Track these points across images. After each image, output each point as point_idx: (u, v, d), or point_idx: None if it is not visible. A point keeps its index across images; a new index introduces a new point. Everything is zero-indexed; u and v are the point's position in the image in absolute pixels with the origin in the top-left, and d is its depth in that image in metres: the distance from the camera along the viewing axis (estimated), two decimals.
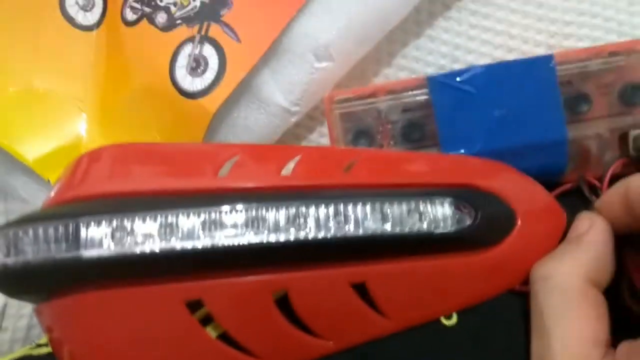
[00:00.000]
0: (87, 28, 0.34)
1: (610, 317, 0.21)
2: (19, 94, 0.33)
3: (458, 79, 0.24)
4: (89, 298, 0.19)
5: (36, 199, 0.34)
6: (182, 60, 0.31)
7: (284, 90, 0.31)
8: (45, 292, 0.20)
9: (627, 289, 0.22)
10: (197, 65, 0.31)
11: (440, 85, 0.24)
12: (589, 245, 0.21)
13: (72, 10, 0.34)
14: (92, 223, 0.18)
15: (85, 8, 0.34)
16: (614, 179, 0.23)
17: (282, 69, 0.31)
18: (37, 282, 0.19)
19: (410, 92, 0.25)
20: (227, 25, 0.31)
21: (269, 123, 0.31)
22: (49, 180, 0.32)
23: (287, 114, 0.31)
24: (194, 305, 0.20)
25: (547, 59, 0.24)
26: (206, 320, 0.20)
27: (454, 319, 0.22)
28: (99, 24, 0.34)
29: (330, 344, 0.21)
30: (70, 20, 0.34)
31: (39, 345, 0.26)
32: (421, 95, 0.25)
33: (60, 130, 0.33)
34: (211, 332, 0.20)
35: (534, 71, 0.24)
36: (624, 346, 0.20)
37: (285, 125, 0.32)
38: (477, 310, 0.22)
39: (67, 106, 0.33)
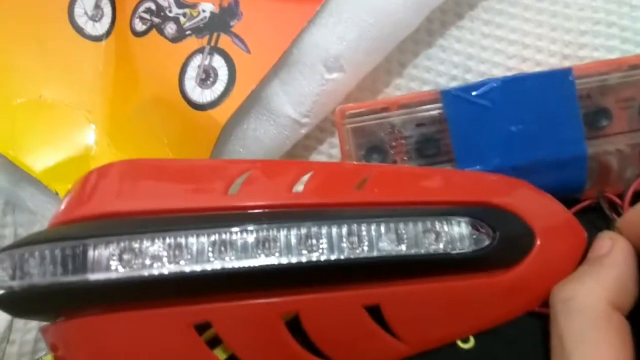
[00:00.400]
0: (96, 38, 0.34)
1: (634, 342, 0.20)
2: (26, 105, 0.32)
3: (473, 92, 0.23)
4: (95, 321, 0.19)
5: (44, 210, 0.33)
6: (192, 72, 0.30)
7: (294, 101, 0.30)
8: (51, 315, 0.19)
9: None
10: (207, 77, 0.30)
11: (455, 99, 0.23)
12: (610, 267, 0.21)
13: (81, 20, 0.34)
14: (100, 245, 0.18)
15: (94, 18, 0.34)
16: (636, 196, 0.22)
17: (292, 80, 0.30)
18: (43, 305, 0.19)
19: (423, 107, 0.24)
20: (237, 36, 0.30)
21: (279, 135, 0.31)
22: (57, 192, 0.32)
23: (297, 126, 0.31)
24: (202, 327, 0.19)
25: (565, 72, 0.23)
26: (214, 342, 0.20)
27: (471, 342, 0.21)
28: (107, 34, 0.33)
29: None
30: (79, 30, 0.33)
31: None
32: (435, 110, 0.24)
33: (68, 141, 0.32)
34: (219, 354, 0.20)
35: (552, 85, 0.23)
36: None
37: (296, 136, 0.31)
38: (495, 333, 0.21)
39: (75, 117, 0.33)
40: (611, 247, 0.21)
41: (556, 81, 0.23)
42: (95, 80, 0.33)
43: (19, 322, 0.33)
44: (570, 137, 0.23)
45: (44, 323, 0.21)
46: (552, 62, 0.32)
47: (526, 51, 0.32)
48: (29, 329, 0.33)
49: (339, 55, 0.29)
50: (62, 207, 0.21)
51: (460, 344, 0.21)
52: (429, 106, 0.24)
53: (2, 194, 0.33)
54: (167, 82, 0.31)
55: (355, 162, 0.24)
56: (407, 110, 0.24)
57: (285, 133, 0.31)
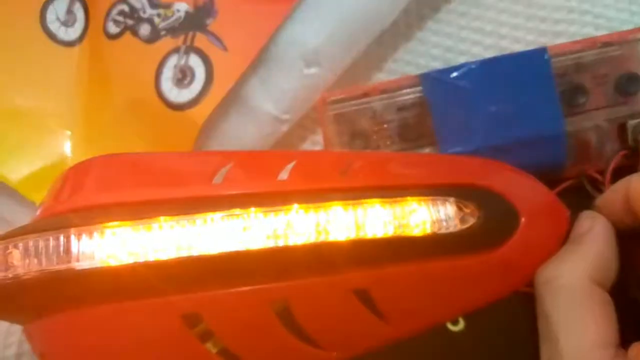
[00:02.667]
0: (69, 44, 0.34)
1: (618, 316, 0.20)
2: (0, 114, 0.32)
3: (452, 74, 0.24)
4: (82, 314, 0.19)
5: (22, 221, 0.32)
6: (168, 72, 0.31)
7: (274, 98, 0.30)
8: (37, 309, 0.19)
9: (636, 286, 0.22)
10: (184, 76, 0.30)
11: (435, 82, 0.24)
12: (591, 245, 0.21)
13: (53, 26, 0.34)
14: (84, 234, 0.18)
15: (67, 24, 0.34)
16: (616, 171, 0.23)
17: (271, 77, 0.30)
18: (28, 298, 0.19)
19: (404, 91, 0.24)
20: (213, 34, 0.30)
21: (260, 132, 0.31)
22: (34, 202, 0.32)
23: (278, 123, 0.31)
24: (194, 321, 0.19)
25: (541, 52, 0.24)
26: (206, 336, 0.20)
27: (461, 325, 0.22)
28: (81, 38, 0.34)
29: (334, 355, 0.21)
30: (51, 36, 0.34)
31: None
32: (415, 93, 0.25)
33: (44, 149, 0.32)
34: (211, 348, 0.20)
35: (528, 64, 0.24)
36: (635, 347, 0.19)
37: (277, 134, 0.32)
38: (485, 315, 0.22)
39: (51, 124, 0.33)
40: (591, 226, 0.22)
41: (532, 60, 0.24)
42: (70, 86, 0.33)
43: None
44: (549, 115, 0.24)
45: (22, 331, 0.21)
46: None
47: (503, 42, 0.33)
48: (9, 345, 0.33)
49: (317, 49, 0.30)
50: (43, 205, 0.21)
51: (450, 326, 0.22)
52: (409, 90, 0.25)
53: None
54: (143, 83, 0.31)
55: (338, 150, 0.25)
56: (387, 95, 0.24)
57: (266, 131, 0.31)
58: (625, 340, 0.20)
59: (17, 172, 0.32)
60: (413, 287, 0.21)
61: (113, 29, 0.32)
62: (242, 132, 0.31)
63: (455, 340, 0.21)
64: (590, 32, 0.32)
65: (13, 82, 0.33)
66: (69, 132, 0.33)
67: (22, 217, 0.33)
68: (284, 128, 0.31)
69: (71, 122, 0.33)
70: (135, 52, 0.31)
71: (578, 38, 0.32)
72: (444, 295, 0.21)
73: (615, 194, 0.22)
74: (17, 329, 0.34)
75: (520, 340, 0.22)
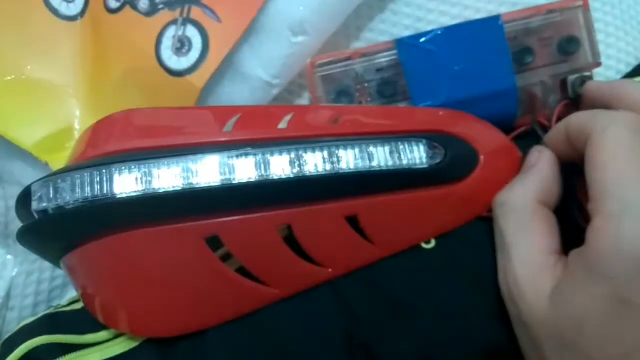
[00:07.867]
0: (71, 18, 0.37)
1: (562, 234, 0.25)
2: (13, 83, 0.36)
3: (422, 39, 0.29)
4: (119, 239, 0.23)
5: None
6: (167, 42, 0.35)
7: (265, 65, 0.35)
8: (77, 238, 0.24)
9: (576, 208, 0.27)
10: (182, 46, 0.34)
11: (407, 46, 0.29)
12: (537, 172, 0.26)
13: (55, 2, 0.37)
14: (123, 169, 0.22)
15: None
16: (560, 119, 0.28)
17: (262, 45, 0.34)
18: (73, 224, 0.23)
19: (381, 54, 0.30)
20: (207, 7, 0.34)
21: (252, 96, 0.35)
22: (47, 162, 0.36)
23: (269, 87, 0.35)
24: (215, 244, 0.24)
25: (495, 19, 0.29)
26: (226, 257, 0.25)
27: (433, 243, 0.27)
28: (82, 13, 0.37)
29: (330, 271, 0.26)
30: (54, 11, 0.37)
31: (62, 307, 0.30)
32: (391, 56, 0.30)
33: (54, 116, 0.36)
34: (230, 266, 0.25)
35: (485, 30, 0.29)
36: (573, 252, 0.24)
37: (267, 97, 0.36)
38: (452, 235, 0.27)
39: (59, 93, 0.37)
40: (539, 157, 0.27)
41: (488, 26, 0.29)
42: (74, 58, 0.37)
43: (17, 289, 0.37)
44: (502, 73, 0.29)
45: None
46: None
47: (467, 12, 0.38)
48: (26, 295, 0.37)
49: (303, 20, 0.34)
50: (74, 155, 0.25)
51: (423, 245, 0.27)
52: (385, 53, 0.30)
53: None
54: (144, 53, 0.35)
55: (329, 105, 0.30)
56: (367, 58, 0.29)
57: (258, 95, 0.35)
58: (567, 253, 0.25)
59: (30, 137, 0.35)
60: (393, 213, 0.26)
61: (113, 3, 0.36)
62: (236, 97, 0.35)
63: (427, 257, 0.27)
64: (542, 2, 0.38)
65: (23, 56, 0.36)
66: (76, 101, 0.37)
67: (35, 179, 0.37)
68: (274, 92, 0.36)
69: (78, 91, 0.37)
70: (135, 25, 0.35)
71: (532, 6, 0.38)
72: (418, 220, 0.27)
73: (558, 130, 0.27)
74: (33, 281, 0.38)
75: (482, 255, 0.27)
